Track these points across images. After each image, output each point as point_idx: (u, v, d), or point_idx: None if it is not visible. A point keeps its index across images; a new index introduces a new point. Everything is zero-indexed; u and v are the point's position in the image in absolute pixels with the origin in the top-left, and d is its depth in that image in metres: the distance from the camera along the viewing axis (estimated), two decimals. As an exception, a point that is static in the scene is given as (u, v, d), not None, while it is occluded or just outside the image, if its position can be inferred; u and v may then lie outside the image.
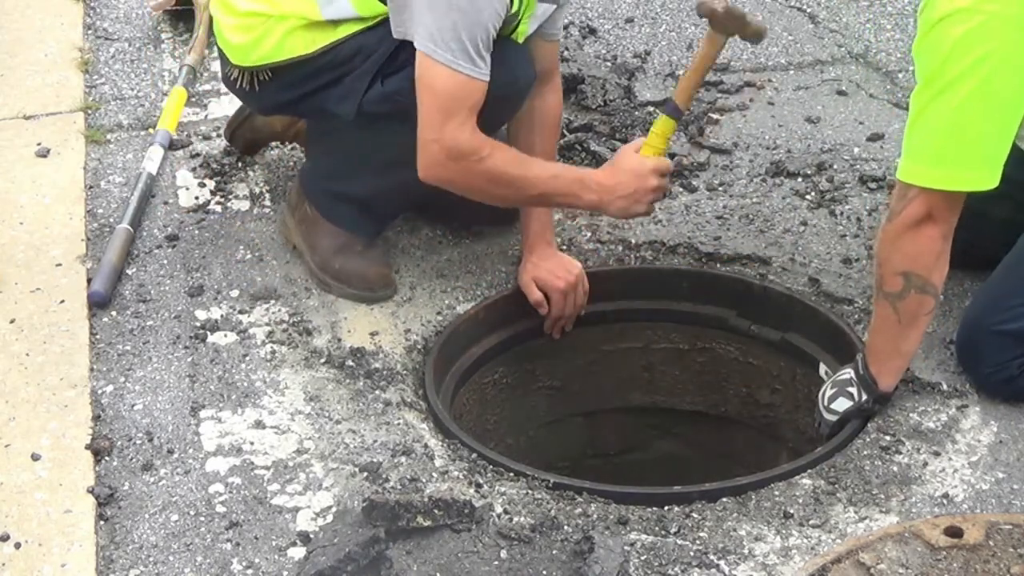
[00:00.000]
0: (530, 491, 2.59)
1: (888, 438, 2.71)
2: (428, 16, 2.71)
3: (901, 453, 2.68)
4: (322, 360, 2.93)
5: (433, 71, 2.72)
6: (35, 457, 2.64)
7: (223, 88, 3.50)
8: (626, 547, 2.40)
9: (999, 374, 2.79)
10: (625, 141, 3.70)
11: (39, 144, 3.70)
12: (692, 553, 2.43)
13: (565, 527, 2.46)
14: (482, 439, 3.03)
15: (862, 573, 2.33)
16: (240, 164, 3.62)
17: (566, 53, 4.06)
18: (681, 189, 3.54)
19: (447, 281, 3.22)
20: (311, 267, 3.18)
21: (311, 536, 2.44)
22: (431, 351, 3.02)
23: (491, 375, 3.26)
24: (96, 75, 4.10)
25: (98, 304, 3.07)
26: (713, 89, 4.00)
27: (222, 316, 3.05)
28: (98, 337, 2.99)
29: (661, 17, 4.45)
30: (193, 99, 3.95)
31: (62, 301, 3.08)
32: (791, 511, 2.54)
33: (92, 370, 2.88)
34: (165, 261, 3.24)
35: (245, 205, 3.46)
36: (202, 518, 2.51)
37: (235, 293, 3.13)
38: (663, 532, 2.49)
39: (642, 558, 2.40)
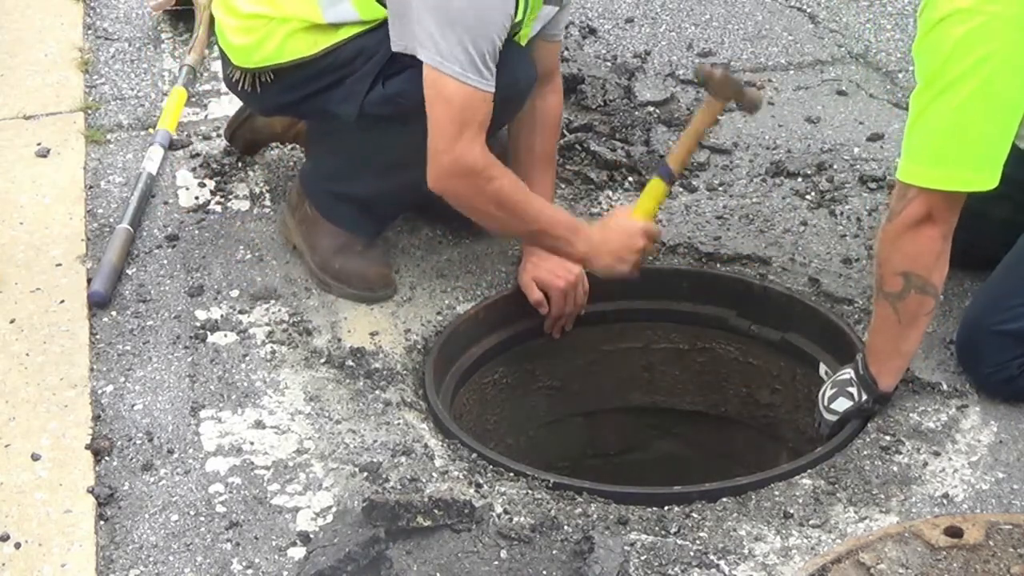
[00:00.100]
0: (530, 491, 2.59)
1: (888, 438, 2.72)
2: (435, 30, 2.70)
3: (901, 453, 2.68)
4: (322, 360, 2.93)
5: (442, 83, 2.72)
6: (35, 457, 2.64)
7: (223, 88, 3.50)
8: (626, 547, 2.40)
9: (999, 374, 2.79)
10: (625, 141, 3.71)
11: (39, 144, 3.69)
12: (692, 553, 2.43)
13: (565, 527, 2.46)
14: (482, 439, 3.03)
15: (862, 573, 2.33)
16: (240, 164, 3.61)
17: (566, 53, 4.06)
18: (681, 189, 3.54)
19: (447, 281, 3.22)
20: (311, 267, 3.18)
21: (311, 536, 2.45)
22: (431, 351, 3.02)
23: (491, 375, 3.26)
24: (96, 75, 4.10)
25: (98, 304, 3.07)
26: (713, 89, 4.00)
27: (222, 316, 3.05)
28: (98, 337, 2.99)
29: (661, 17, 4.45)
30: (193, 99, 3.94)
31: (62, 301, 3.08)
32: (791, 511, 2.54)
33: (92, 370, 2.88)
34: (165, 261, 3.24)
35: (245, 205, 3.46)
36: (202, 518, 2.51)
37: (235, 293, 3.13)
38: (663, 532, 2.49)
39: (642, 558, 2.40)
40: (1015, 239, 2.87)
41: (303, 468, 2.64)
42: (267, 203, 3.47)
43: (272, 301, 3.11)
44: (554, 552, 2.41)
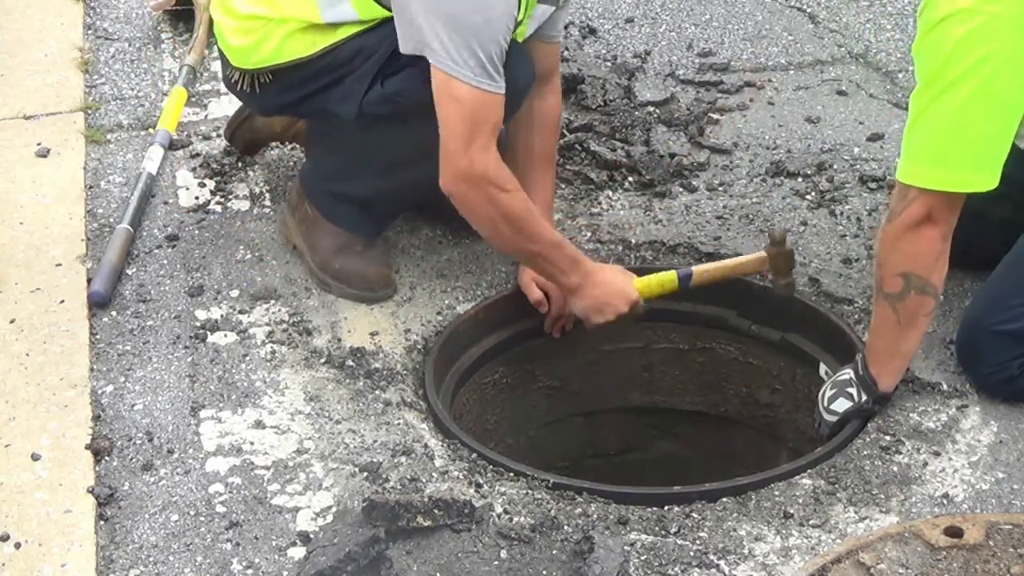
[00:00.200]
0: (530, 491, 2.59)
1: (888, 438, 2.72)
2: (443, 33, 2.70)
3: (901, 453, 2.68)
4: (322, 360, 2.93)
5: (453, 87, 2.72)
6: (35, 457, 2.64)
7: (223, 88, 3.50)
8: (626, 547, 2.40)
9: (999, 374, 2.79)
10: (625, 141, 3.70)
11: (39, 144, 3.70)
12: (692, 553, 2.43)
13: (565, 527, 2.46)
14: (482, 439, 3.03)
15: (862, 573, 2.33)
16: (240, 164, 3.62)
17: (566, 53, 4.06)
18: (681, 189, 3.54)
19: (447, 281, 3.22)
20: (311, 267, 3.18)
21: (311, 536, 2.45)
22: (431, 351, 3.02)
23: (491, 375, 3.26)
24: (96, 75, 4.10)
25: (98, 304, 3.07)
26: (713, 89, 4.00)
27: (222, 316, 3.05)
28: (98, 337, 2.99)
29: (661, 17, 4.45)
30: (193, 99, 3.95)
31: (62, 301, 3.08)
32: (791, 511, 2.54)
33: (92, 370, 2.88)
34: (165, 261, 3.24)
35: (245, 205, 3.46)
36: (202, 518, 2.51)
37: (235, 293, 3.13)
38: (663, 532, 2.49)
39: (642, 558, 2.40)
40: (1015, 239, 2.87)
41: (303, 468, 2.64)
42: (267, 203, 3.47)
43: (272, 301, 3.11)
44: (554, 552, 2.41)
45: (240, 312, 3.07)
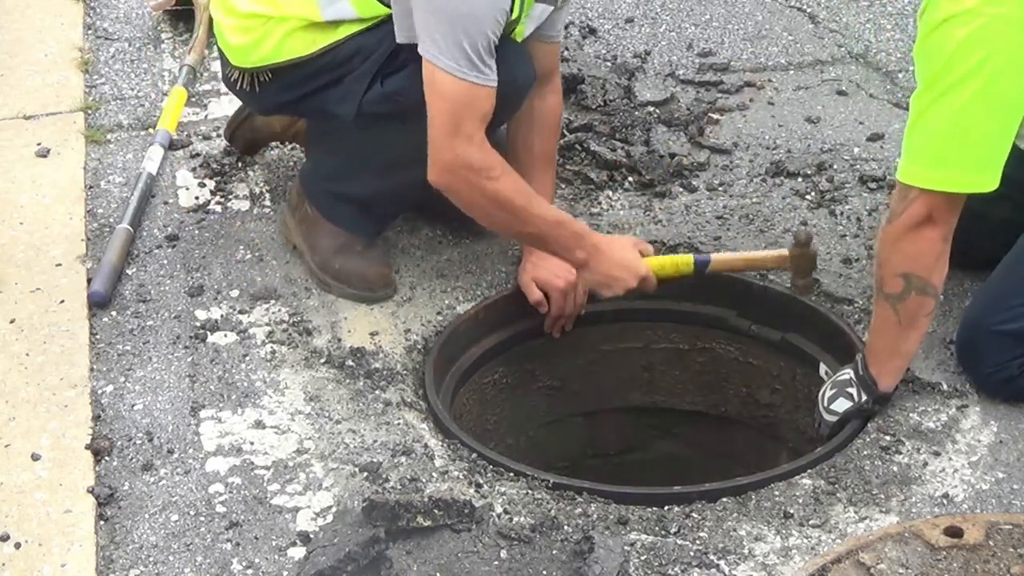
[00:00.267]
0: (530, 491, 2.59)
1: (888, 438, 2.72)
2: (431, 23, 2.71)
3: (901, 453, 2.68)
4: (322, 360, 2.93)
5: (438, 77, 2.72)
6: (35, 457, 2.64)
7: (223, 88, 3.50)
8: (626, 547, 2.40)
9: (999, 374, 2.79)
10: (625, 141, 3.70)
11: (39, 144, 3.70)
12: (692, 553, 2.43)
13: (565, 527, 2.46)
14: (482, 439, 3.03)
15: (862, 573, 2.33)
16: (240, 164, 3.62)
17: (566, 53, 4.06)
18: (681, 189, 3.54)
19: (447, 281, 3.22)
20: (311, 267, 3.18)
21: (311, 536, 2.45)
22: (431, 351, 3.02)
23: (491, 375, 3.26)
24: (96, 75, 4.10)
25: (98, 304, 3.07)
26: (713, 89, 4.00)
27: (222, 316, 3.05)
28: (98, 337, 2.99)
29: (661, 17, 4.45)
30: (193, 99, 3.94)
31: (62, 301, 3.08)
32: (791, 511, 2.54)
33: (92, 370, 2.88)
34: (165, 261, 3.24)
35: (245, 205, 3.46)
36: (202, 518, 2.51)
37: (235, 293, 3.13)
38: (663, 532, 2.49)
39: (642, 558, 2.40)
40: (1015, 239, 2.87)
41: (303, 468, 2.64)
42: (267, 203, 3.47)
43: (272, 301, 3.11)
44: (554, 552, 2.41)
45: (240, 312, 3.07)
